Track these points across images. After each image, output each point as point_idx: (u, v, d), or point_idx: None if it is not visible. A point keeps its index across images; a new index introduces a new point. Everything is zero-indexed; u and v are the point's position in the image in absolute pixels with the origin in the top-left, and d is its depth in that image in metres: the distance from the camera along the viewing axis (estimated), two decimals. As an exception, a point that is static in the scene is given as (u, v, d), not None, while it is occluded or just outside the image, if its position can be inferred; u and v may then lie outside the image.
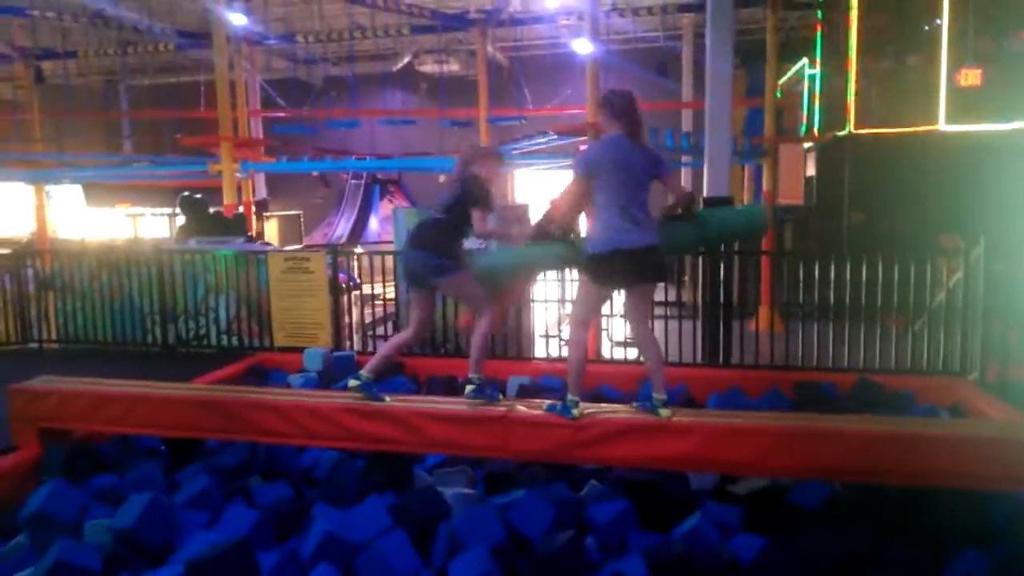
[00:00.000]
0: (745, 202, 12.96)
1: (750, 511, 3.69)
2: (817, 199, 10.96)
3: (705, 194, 6.87)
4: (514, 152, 10.40)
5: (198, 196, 8.77)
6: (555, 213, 4.01)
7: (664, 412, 3.76)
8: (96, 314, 7.48)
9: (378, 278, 7.55)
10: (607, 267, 3.68)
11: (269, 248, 8.18)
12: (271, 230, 15.57)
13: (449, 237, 4.06)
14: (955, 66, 9.58)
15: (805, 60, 12.53)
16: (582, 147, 8.42)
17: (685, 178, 14.97)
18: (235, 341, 7.25)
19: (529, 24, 14.18)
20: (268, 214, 15.72)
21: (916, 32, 9.90)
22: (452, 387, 5.32)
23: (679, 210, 3.92)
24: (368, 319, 7.93)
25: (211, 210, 9.08)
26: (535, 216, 4.10)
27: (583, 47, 12.29)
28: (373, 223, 17.11)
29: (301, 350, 6.41)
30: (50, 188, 14.15)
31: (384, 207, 17.00)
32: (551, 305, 7.19)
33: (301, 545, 3.51)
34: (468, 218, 4.02)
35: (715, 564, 3.25)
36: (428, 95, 17.44)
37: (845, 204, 10.16)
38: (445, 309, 6.72)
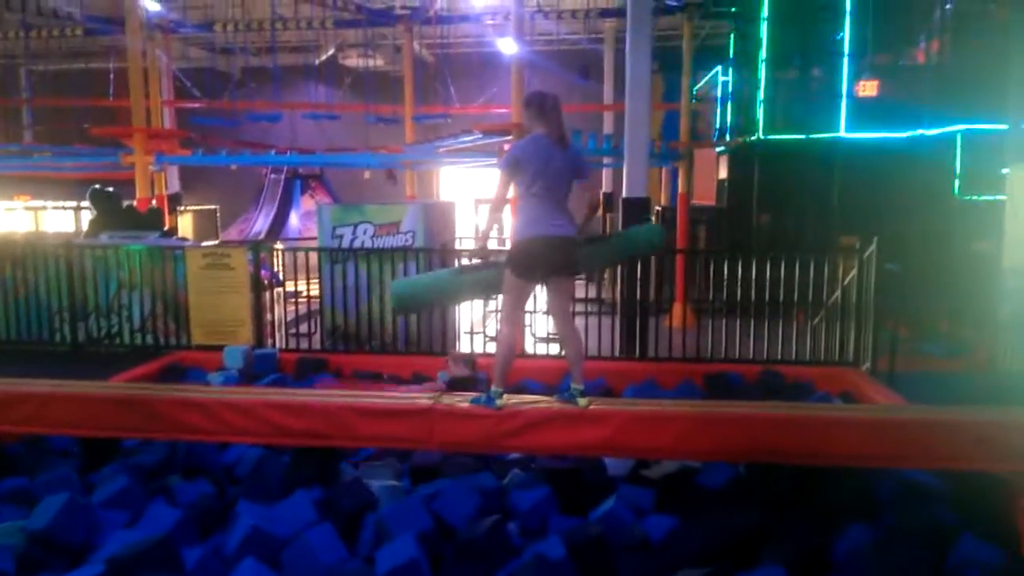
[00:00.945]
0: (662, 202, 13.45)
1: (662, 493, 3.94)
2: (728, 201, 11.51)
3: (624, 195, 7.15)
4: (439, 150, 10.46)
5: (110, 189, 8.43)
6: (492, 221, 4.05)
7: (582, 401, 3.97)
8: (-3, 311, 7.10)
9: (301, 275, 7.48)
10: (527, 255, 3.86)
11: (186, 243, 7.95)
12: (185, 225, 15.07)
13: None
14: (855, 78, 10.29)
15: (719, 68, 13.13)
16: (507, 146, 8.58)
17: (606, 178, 15.40)
18: (150, 339, 7.03)
19: (455, 22, 14.25)
20: (182, 208, 15.19)
21: (821, 45, 10.57)
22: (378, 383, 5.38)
23: (592, 216, 4.23)
24: (291, 316, 7.85)
25: (124, 204, 8.75)
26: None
27: (508, 47, 12.46)
28: (293, 219, 16.73)
29: (220, 348, 6.30)
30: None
31: (306, 202, 16.69)
32: (476, 303, 7.31)
33: (226, 540, 3.50)
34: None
35: (629, 543, 3.46)
36: (352, 90, 17.21)
37: (754, 206, 10.74)
38: (370, 304, 6.75)
